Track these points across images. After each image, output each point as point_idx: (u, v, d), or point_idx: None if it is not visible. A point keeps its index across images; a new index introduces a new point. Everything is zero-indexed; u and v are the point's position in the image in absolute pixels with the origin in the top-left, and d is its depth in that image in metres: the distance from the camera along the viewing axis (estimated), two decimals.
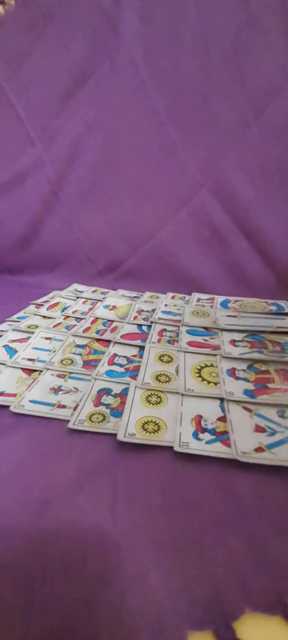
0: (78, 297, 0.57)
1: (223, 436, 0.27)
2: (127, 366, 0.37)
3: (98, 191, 0.66)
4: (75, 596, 0.18)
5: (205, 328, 0.44)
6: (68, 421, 0.29)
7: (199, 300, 0.54)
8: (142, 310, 0.50)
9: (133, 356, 0.39)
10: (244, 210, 0.58)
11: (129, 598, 0.17)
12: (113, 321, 0.48)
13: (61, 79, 0.64)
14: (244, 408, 0.30)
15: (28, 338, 0.43)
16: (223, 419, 0.29)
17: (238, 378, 0.34)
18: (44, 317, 0.50)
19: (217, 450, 0.25)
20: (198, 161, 0.60)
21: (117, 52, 0.61)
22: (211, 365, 0.36)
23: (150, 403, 0.31)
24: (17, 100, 0.67)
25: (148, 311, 0.50)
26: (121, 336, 0.42)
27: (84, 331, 0.44)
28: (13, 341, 0.42)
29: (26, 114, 0.67)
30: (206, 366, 0.36)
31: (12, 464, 0.25)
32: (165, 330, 0.44)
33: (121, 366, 0.37)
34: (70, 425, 0.28)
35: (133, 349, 0.40)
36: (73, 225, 0.68)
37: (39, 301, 0.55)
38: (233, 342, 0.40)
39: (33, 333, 0.44)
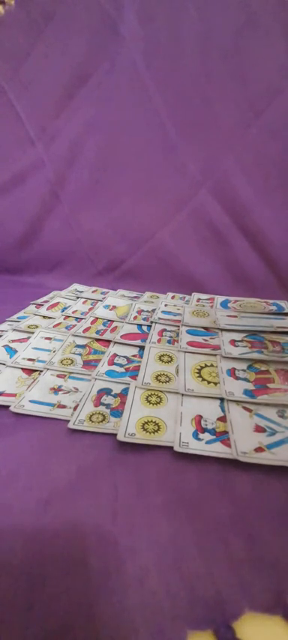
0: (78, 297, 0.57)
1: (223, 436, 0.27)
2: (127, 366, 0.37)
3: (98, 191, 0.66)
4: (75, 596, 0.18)
5: (205, 328, 0.44)
6: (68, 421, 0.29)
7: (199, 300, 0.54)
8: (142, 310, 0.50)
9: (133, 356, 0.39)
10: (244, 210, 0.58)
11: (129, 598, 0.17)
12: (113, 321, 0.48)
13: (61, 79, 0.64)
14: (244, 408, 0.30)
15: (28, 338, 0.43)
16: (223, 419, 0.29)
17: (238, 378, 0.34)
18: (44, 317, 0.50)
19: (217, 450, 0.25)
20: (198, 161, 0.60)
21: (117, 52, 0.61)
22: (211, 365, 0.36)
23: (150, 403, 0.31)
24: (17, 100, 0.67)
25: (148, 311, 0.50)
26: (121, 336, 0.42)
27: (84, 331, 0.44)
28: (13, 341, 0.42)
29: (26, 114, 0.67)
30: (206, 366, 0.36)
31: (12, 464, 0.25)
32: (165, 330, 0.44)
33: (121, 366, 0.37)
34: (70, 425, 0.28)
35: (133, 349, 0.40)
36: (73, 225, 0.68)
37: (39, 301, 0.55)
38: (233, 342, 0.40)
39: (33, 333, 0.44)
